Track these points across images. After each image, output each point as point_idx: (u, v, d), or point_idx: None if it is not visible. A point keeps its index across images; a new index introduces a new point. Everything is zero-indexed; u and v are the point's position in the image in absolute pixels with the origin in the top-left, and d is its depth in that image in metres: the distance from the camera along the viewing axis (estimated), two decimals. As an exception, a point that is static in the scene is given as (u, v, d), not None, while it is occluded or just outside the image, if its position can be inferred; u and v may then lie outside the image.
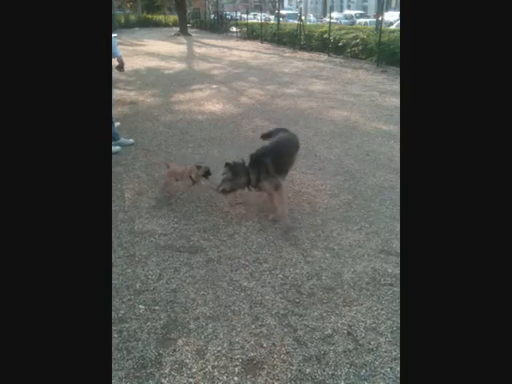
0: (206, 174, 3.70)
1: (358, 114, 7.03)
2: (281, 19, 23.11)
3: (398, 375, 1.95)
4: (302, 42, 17.85)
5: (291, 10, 40.13)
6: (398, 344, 2.12)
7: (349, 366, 2.02)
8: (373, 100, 8.11)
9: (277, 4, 41.05)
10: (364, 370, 1.99)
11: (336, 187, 4.11)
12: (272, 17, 27.88)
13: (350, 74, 11.63)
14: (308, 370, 1.99)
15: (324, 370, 1.99)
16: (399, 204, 3.69)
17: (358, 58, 14.01)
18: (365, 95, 8.57)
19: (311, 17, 36.77)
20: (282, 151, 3.45)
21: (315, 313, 2.37)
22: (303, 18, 20.46)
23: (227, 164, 3.33)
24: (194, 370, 2.00)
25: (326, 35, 15.85)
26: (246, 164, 3.33)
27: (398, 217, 3.47)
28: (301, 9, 20.57)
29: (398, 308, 2.39)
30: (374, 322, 2.29)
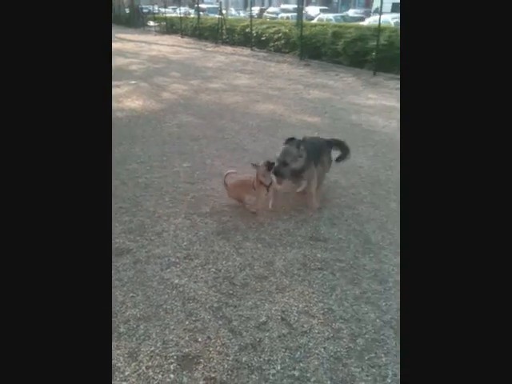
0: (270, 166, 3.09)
1: (283, 107, 7.18)
2: (201, 13, 22.85)
3: (331, 354, 2.02)
4: (224, 37, 17.83)
5: (211, 4, 39.83)
6: (330, 325, 2.21)
7: (284, 350, 2.05)
8: (297, 93, 8.32)
9: (196, -3, 40.61)
10: (299, 353, 2.04)
11: (265, 178, 4.16)
12: (192, 11, 27.43)
13: (273, 67, 11.85)
14: (244, 359, 2.00)
15: (260, 357, 2.01)
16: (330, 191, 3.83)
17: (281, 52, 14.31)
18: (289, 88, 8.78)
19: (233, 11, 36.83)
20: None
21: (249, 302, 2.38)
22: (224, 11, 20.43)
23: (295, 141, 2.93)
24: (127, 373, 1.91)
25: (248, 29, 15.97)
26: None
27: (326, 203, 3.60)
28: (221, 2, 20.51)
29: (329, 290, 2.48)
30: (307, 306, 2.36)
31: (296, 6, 18.49)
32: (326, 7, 35.06)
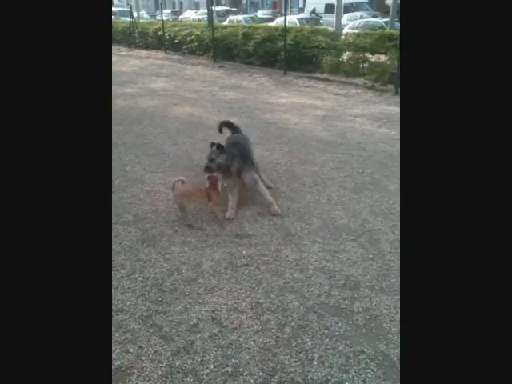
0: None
1: (201, 109, 7.20)
2: (112, 17, 22.00)
3: (261, 345, 2.12)
4: (137, 40, 17.36)
5: (122, 6, 38.44)
6: (258, 317, 2.31)
7: (216, 348, 2.11)
8: (214, 95, 8.39)
9: (105, 0, 38.77)
10: (230, 349, 2.11)
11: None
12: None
13: (189, 70, 11.79)
14: (178, 363, 2.02)
15: (193, 359, 2.05)
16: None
17: (195, 55, 14.27)
18: (205, 90, 8.81)
19: (144, 14, 35.87)
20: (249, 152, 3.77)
21: (179, 307, 2.40)
22: (135, 14, 19.85)
23: (216, 144, 3.43)
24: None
25: (160, 32, 15.71)
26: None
27: (247, 201, 3.71)
28: (131, 6, 19.91)
29: (255, 285, 2.58)
30: (235, 303, 2.44)
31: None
32: (235, 9, 35.61)
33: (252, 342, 2.15)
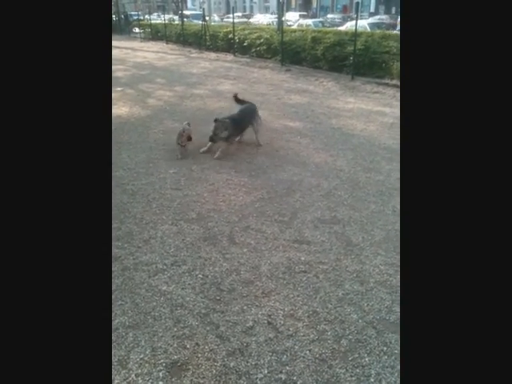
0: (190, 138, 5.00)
1: (266, 112, 7.25)
2: (185, 19, 22.89)
3: (317, 356, 2.09)
4: (207, 43, 17.89)
5: (195, 10, 39.91)
6: (315, 327, 2.27)
7: (271, 354, 2.11)
8: (279, 98, 8.42)
9: (180, 4, 40.57)
10: (285, 356, 2.10)
11: (250, 184, 4.22)
12: (176, 17, 27.48)
13: (256, 73, 11.94)
14: (232, 364, 2.04)
15: (247, 362, 2.06)
16: (312, 195, 3.91)
17: (263, 58, 14.41)
18: (271, 94, 8.87)
19: (215, 17, 36.95)
20: (243, 118, 5.33)
21: (236, 307, 2.43)
22: (207, 18, 20.48)
23: (217, 120, 4.91)
24: (116, 382, 1.94)
25: (230, 35, 16.06)
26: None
27: (308, 207, 3.67)
28: (204, 9, 20.57)
29: (313, 293, 2.54)
30: (292, 309, 2.42)
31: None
32: (305, 13, 35.56)
33: (307, 351, 2.12)
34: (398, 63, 9.76)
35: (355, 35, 10.51)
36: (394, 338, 2.19)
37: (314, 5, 43.79)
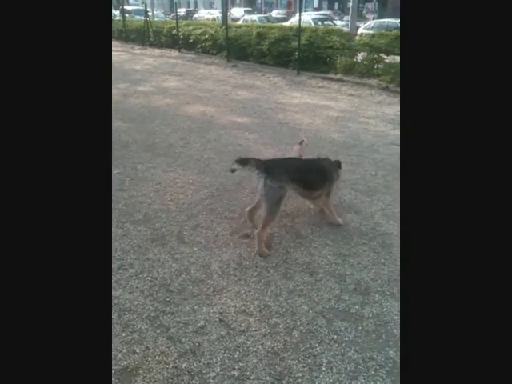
0: None
1: (214, 108, 7.20)
2: (127, 15, 22.13)
3: (269, 349, 2.09)
4: (151, 39, 17.45)
5: (137, 5, 38.71)
6: (266, 321, 2.28)
7: (223, 351, 2.09)
8: (226, 94, 8.38)
9: (121, -1, 39.16)
10: (237, 352, 2.09)
11: (198, 182, 4.16)
12: (117, 12, 26.54)
13: (202, 69, 11.81)
14: (184, 365, 2.00)
15: (200, 361, 2.03)
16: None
17: (209, 54, 14.28)
18: (218, 90, 8.81)
19: (160, 13, 36.10)
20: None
21: (187, 308, 2.39)
22: (150, 13, 19.96)
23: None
24: (60, 396, 1.84)
25: (174, 31, 15.76)
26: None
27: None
28: (146, 4, 20.02)
29: (264, 287, 2.55)
30: (244, 305, 2.41)
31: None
32: (250, 8, 35.67)
33: (260, 346, 2.12)
34: (342, 58, 10.04)
35: (299, 30, 10.66)
36: (344, 326, 2.24)
37: (259, 0, 44.01)
